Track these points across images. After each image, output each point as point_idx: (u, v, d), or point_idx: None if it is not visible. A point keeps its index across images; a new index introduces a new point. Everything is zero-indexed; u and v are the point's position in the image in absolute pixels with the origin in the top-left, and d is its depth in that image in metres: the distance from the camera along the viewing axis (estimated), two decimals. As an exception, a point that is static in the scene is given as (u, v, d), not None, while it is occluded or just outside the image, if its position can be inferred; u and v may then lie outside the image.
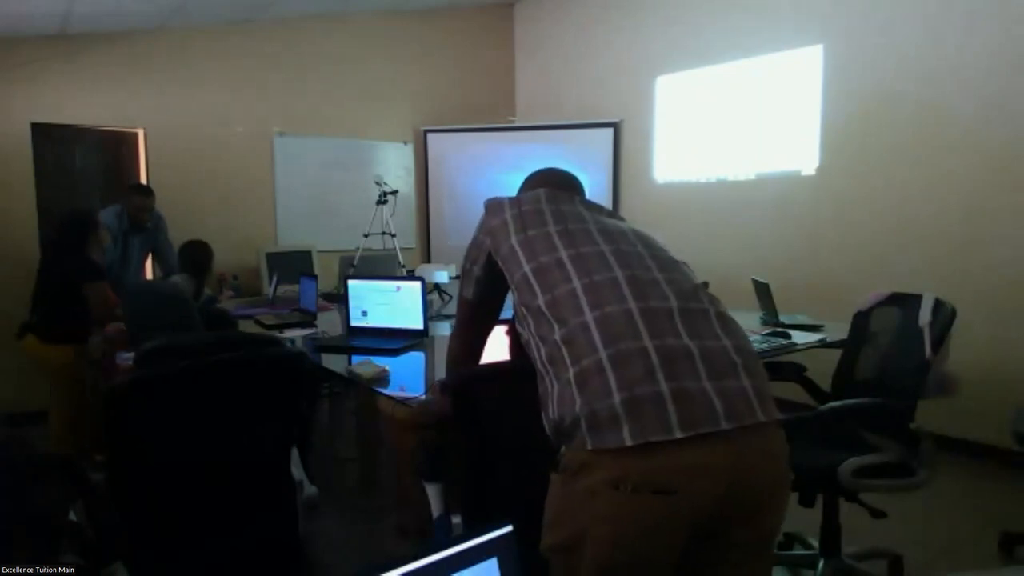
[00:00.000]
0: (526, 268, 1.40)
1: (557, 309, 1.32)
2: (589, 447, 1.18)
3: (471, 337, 1.69)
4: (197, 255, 3.71)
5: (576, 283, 1.32)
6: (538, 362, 1.35)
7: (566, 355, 1.26)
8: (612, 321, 1.26)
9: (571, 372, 1.24)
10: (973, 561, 2.77)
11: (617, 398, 1.17)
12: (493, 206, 1.55)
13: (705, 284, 1.43)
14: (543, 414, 1.32)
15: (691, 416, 1.15)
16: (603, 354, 1.22)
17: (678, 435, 1.14)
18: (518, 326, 1.44)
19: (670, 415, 1.15)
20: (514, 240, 1.44)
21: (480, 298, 1.60)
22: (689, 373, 1.20)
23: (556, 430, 1.27)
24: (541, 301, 1.35)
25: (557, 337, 1.29)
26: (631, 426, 1.15)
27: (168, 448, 1.89)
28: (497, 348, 1.78)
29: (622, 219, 1.58)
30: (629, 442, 1.14)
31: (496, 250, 1.48)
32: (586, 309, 1.28)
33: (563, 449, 1.25)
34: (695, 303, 1.33)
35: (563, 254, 1.38)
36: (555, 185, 1.61)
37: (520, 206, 1.50)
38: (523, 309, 1.40)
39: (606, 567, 1.18)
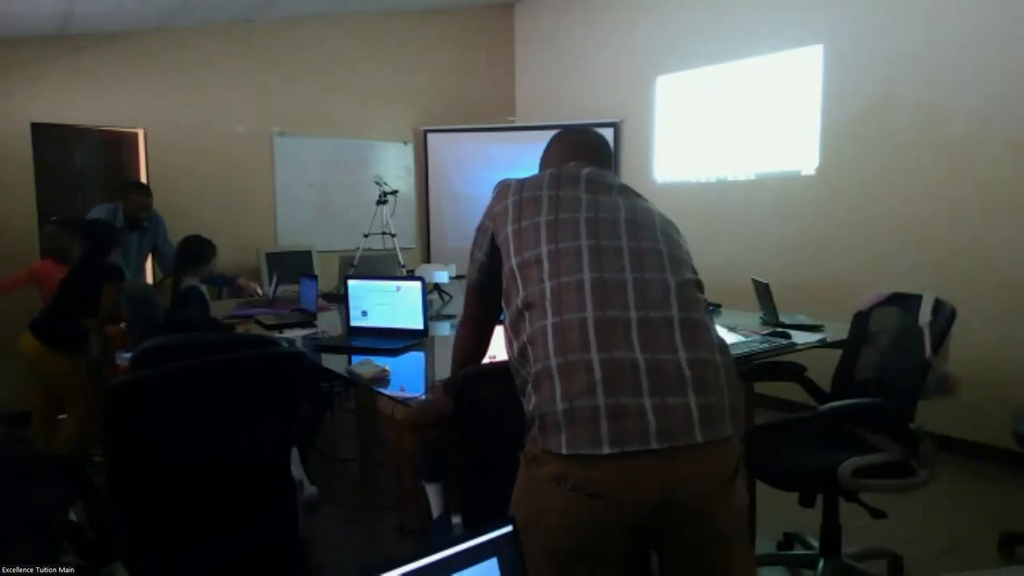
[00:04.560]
0: (512, 261, 1.43)
1: (530, 309, 1.35)
2: (539, 446, 1.25)
3: (477, 327, 1.70)
4: (190, 248, 3.64)
5: (547, 283, 1.35)
6: (512, 356, 1.40)
7: (530, 354, 1.32)
8: (566, 329, 1.28)
9: (532, 372, 1.30)
10: (973, 561, 2.77)
11: (560, 407, 1.23)
12: (500, 190, 1.56)
13: (695, 283, 1.41)
14: (521, 400, 1.37)
15: (621, 433, 1.19)
16: (553, 362, 1.26)
17: (606, 451, 1.18)
18: (504, 311, 1.47)
19: (602, 430, 1.19)
20: (509, 229, 1.46)
21: (484, 282, 1.60)
22: (630, 388, 1.22)
23: (526, 417, 1.32)
24: (520, 299, 1.38)
25: (525, 337, 1.34)
26: (568, 436, 1.21)
27: (168, 448, 1.89)
28: (499, 348, 1.78)
29: (628, 196, 1.51)
30: (564, 451, 1.20)
31: (496, 236, 1.50)
32: (549, 312, 1.31)
33: (527, 436, 1.31)
34: (660, 311, 1.30)
35: (543, 249, 1.39)
36: (574, 155, 1.61)
37: (522, 192, 1.50)
38: (505, 301, 1.45)
39: (552, 550, 1.25)
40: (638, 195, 1.55)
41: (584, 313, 1.29)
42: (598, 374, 1.22)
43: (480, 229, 1.58)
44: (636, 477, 1.20)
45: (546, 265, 1.36)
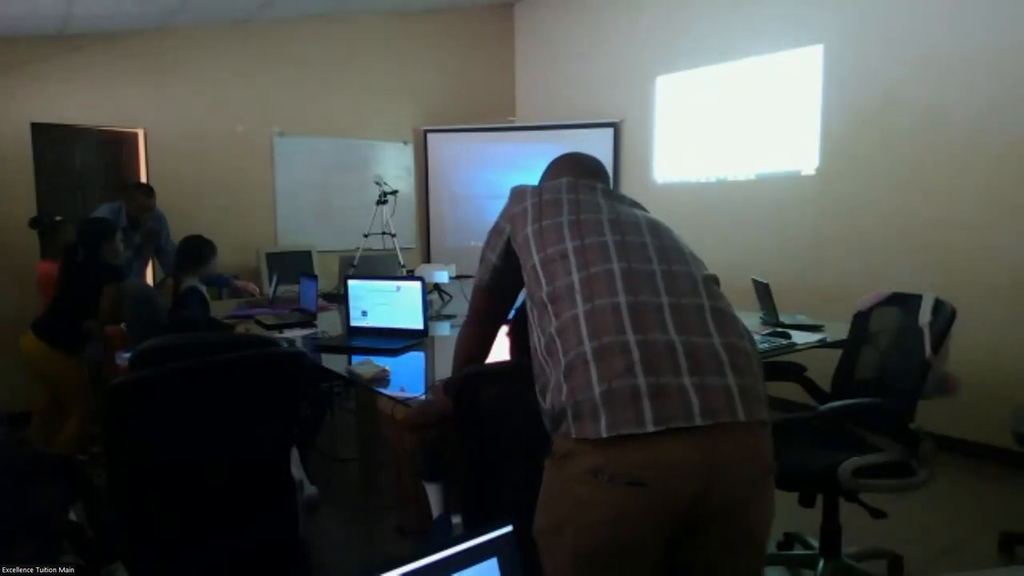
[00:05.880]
0: (535, 258, 1.43)
1: (556, 302, 1.34)
2: (573, 436, 1.21)
3: (482, 329, 1.70)
4: (190, 248, 3.63)
5: (575, 275, 1.35)
6: (538, 353, 1.37)
7: (559, 346, 1.29)
8: (600, 315, 1.28)
9: (562, 363, 1.27)
10: (973, 561, 2.77)
11: (597, 390, 1.19)
12: (517, 193, 1.56)
13: (715, 278, 1.43)
14: (540, 403, 1.34)
15: (665, 411, 1.16)
16: (588, 347, 1.24)
17: (650, 429, 1.15)
18: (529, 314, 1.45)
19: (644, 409, 1.16)
20: (530, 229, 1.47)
21: (495, 285, 1.61)
22: (669, 368, 1.21)
23: (549, 418, 1.30)
24: (544, 293, 1.37)
25: (553, 329, 1.32)
26: (608, 419, 1.17)
27: (168, 448, 1.89)
28: (497, 348, 1.78)
29: (642, 208, 1.59)
30: (605, 434, 1.16)
31: (514, 237, 1.51)
32: (579, 302, 1.31)
33: (555, 435, 1.28)
34: (690, 298, 1.33)
35: (569, 245, 1.40)
36: (580, 172, 1.63)
37: (541, 195, 1.51)
38: (529, 300, 1.44)
39: (584, 552, 1.21)
40: (646, 210, 1.61)
41: (616, 298, 1.29)
42: (636, 355, 1.21)
43: (495, 231, 1.58)
44: (679, 459, 1.16)
45: (572, 259, 1.37)
